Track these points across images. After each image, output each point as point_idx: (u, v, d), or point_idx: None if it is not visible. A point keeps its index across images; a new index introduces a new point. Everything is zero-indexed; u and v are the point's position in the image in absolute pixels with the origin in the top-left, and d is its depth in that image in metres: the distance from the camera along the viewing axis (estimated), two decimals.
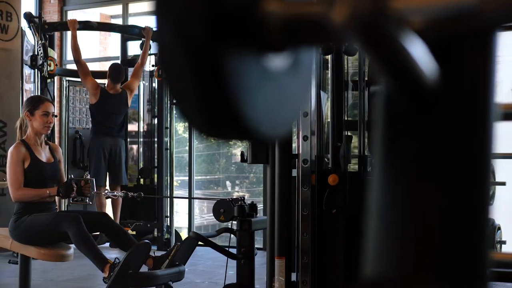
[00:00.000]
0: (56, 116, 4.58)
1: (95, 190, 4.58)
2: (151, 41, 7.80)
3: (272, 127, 0.61)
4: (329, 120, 3.90)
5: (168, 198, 7.87)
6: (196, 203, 8.85)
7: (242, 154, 4.01)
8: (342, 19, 0.52)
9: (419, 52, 0.54)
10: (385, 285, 0.57)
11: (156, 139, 8.10)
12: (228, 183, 12.74)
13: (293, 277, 3.78)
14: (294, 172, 3.83)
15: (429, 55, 0.56)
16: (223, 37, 0.55)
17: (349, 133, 3.97)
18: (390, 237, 0.58)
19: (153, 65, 8.08)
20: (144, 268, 4.31)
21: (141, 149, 8.36)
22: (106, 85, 7.68)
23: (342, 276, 3.67)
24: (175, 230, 8.05)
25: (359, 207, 3.68)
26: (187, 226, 9.33)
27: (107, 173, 7.71)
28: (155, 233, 7.75)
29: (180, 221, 8.79)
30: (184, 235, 8.44)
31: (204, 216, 12.51)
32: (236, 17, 0.56)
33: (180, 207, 8.58)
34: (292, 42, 0.60)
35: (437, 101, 0.56)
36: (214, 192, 12.72)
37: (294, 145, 3.90)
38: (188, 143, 8.85)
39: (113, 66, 7.76)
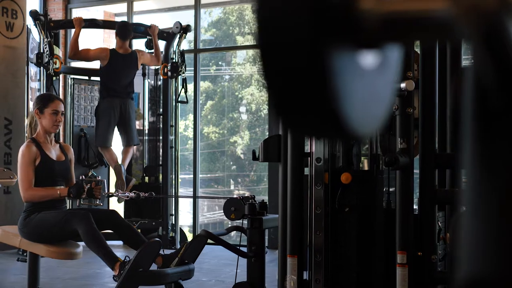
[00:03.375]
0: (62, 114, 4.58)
1: (106, 192, 4.56)
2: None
3: (364, 125, 0.61)
4: None
5: (167, 197, 7.85)
6: (197, 201, 8.85)
7: (253, 152, 4.01)
8: (462, 14, 0.52)
9: None
10: (485, 285, 0.57)
11: (161, 137, 8.09)
12: (229, 181, 12.73)
13: (305, 275, 3.78)
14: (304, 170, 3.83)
15: None
16: (324, 34, 0.55)
17: None
18: (488, 236, 0.58)
19: None
20: (153, 266, 4.31)
21: (145, 147, 8.34)
22: (115, 45, 7.63)
23: (355, 275, 3.67)
24: (180, 228, 8.05)
25: (372, 205, 3.68)
26: (189, 224, 9.33)
27: (120, 134, 7.67)
28: (160, 231, 7.75)
29: (181, 220, 8.77)
30: (187, 233, 8.44)
31: (205, 215, 12.52)
32: (335, 14, 0.56)
33: (181, 205, 8.57)
34: (388, 39, 0.60)
35: None
36: (215, 191, 12.72)
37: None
38: (192, 142, 8.85)
39: (120, 23, 7.70)
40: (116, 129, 7.65)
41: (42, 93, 7.05)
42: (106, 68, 7.51)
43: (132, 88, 7.69)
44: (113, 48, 7.59)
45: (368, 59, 0.61)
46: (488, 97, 0.59)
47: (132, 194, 4.84)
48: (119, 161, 7.49)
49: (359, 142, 3.71)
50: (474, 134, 0.60)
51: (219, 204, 11.96)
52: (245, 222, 4.19)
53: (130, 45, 7.84)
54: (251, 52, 11.66)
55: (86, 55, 7.49)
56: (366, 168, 4.04)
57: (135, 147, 7.87)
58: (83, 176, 4.46)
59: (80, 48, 7.47)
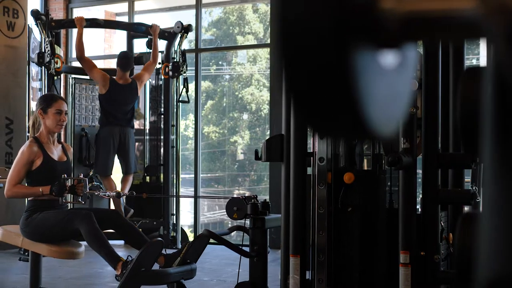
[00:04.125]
0: (66, 113, 4.58)
1: (88, 190, 4.57)
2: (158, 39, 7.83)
3: (384, 125, 0.61)
4: None
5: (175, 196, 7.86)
6: (198, 201, 8.84)
7: (256, 152, 4.01)
8: (488, 14, 0.52)
9: None
10: (505, 284, 0.56)
11: (162, 137, 8.09)
12: (229, 181, 12.73)
13: (307, 275, 3.78)
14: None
15: None
16: (347, 33, 0.55)
17: None
18: (508, 235, 0.58)
19: (159, 63, 8.08)
20: (155, 266, 4.30)
21: (147, 147, 8.35)
22: (116, 75, 7.67)
23: (357, 274, 3.67)
24: (181, 228, 8.04)
25: (375, 205, 3.68)
26: (189, 224, 9.32)
27: (119, 162, 7.72)
28: (161, 230, 7.74)
29: (181, 219, 8.79)
30: (188, 233, 8.43)
31: (205, 214, 12.52)
32: (357, 13, 0.56)
33: (181, 205, 8.57)
34: (409, 39, 0.60)
35: None
36: (215, 190, 12.72)
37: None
38: (192, 142, 8.85)
39: (121, 55, 7.74)
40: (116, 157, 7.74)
41: (45, 93, 7.03)
42: (105, 96, 7.59)
43: (132, 115, 7.75)
44: (113, 78, 7.62)
45: (388, 59, 0.61)
46: (510, 96, 0.59)
47: (112, 194, 4.92)
48: (119, 189, 7.53)
49: (374, 142, 3.70)
50: (495, 133, 0.60)
51: (219, 204, 11.96)
52: (244, 221, 4.19)
53: (132, 48, 7.86)
54: (251, 51, 11.66)
55: (90, 69, 7.52)
56: (365, 167, 4.04)
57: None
58: (65, 175, 4.46)
59: (87, 53, 7.51)
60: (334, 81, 0.56)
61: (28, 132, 7.18)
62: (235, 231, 4.75)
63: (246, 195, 4.34)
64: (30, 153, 4.40)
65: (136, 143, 8.34)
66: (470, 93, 1.21)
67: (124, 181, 7.70)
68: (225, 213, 4.27)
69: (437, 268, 3.46)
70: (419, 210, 3.58)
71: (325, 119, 0.59)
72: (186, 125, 10.94)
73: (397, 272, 3.45)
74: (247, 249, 4.14)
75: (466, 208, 3.99)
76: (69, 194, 4.43)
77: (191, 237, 8.29)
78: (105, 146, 7.56)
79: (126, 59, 7.67)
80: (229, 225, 11.67)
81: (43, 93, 7.31)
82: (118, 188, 7.59)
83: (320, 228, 3.65)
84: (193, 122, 9.15)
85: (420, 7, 0.58)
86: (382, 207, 3.68)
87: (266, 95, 11.27)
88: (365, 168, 4.03)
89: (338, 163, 3.77)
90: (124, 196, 7.55)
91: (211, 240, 4.52)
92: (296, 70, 0.57)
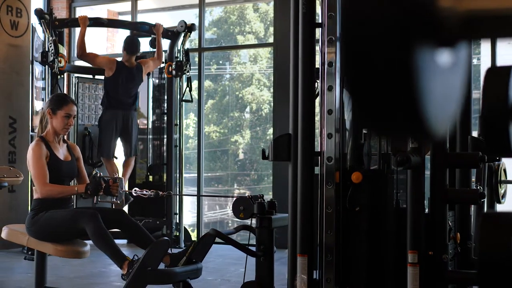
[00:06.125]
0: (74, 117, 4.58)
1: (123, 189, 4.54)
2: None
3: (440, 123, 0.61)
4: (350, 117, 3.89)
5: (177, 196, 7.85)
6: (194, 200, 8.84)
7: (263, 151, 4.01)
8: None
9: None
10: None
11: (165, 136, 8.08)
12: (230, 180, 12.74)
13: (314, 274, 3.78)
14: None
15: None
16: (409, 33, 0.55)
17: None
18: None
19: (162, 62, 8.07)
20: (160, 265, 4.30)
21: (149, 146, 8.34)
22: (122, 58, 7.69)
23: (365, 274, 3.67)
24: (184, 227, 8.04)
25: (382, 204, 3.68)
26: (190, 223, 9.32)
27: (122, 145, 7.74)
28: (164, 230, 7.74)
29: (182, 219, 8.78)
30: (190, 232, 8.43)
31: (206, 214, 12.53)
32: (419, 12, 0.56)
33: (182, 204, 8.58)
34: (467, 37, 0.60)
35: None
36: (215, 190, 12.73)
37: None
38: (193, 141, 8.85)
39: (128, 38, 7.78)
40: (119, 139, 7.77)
41: (58, 92, 6.99)
42: (111, 79, 7.60)
43: (135, 99, 7.78)
44: (120, 61, 7.67)
45: (445, 57, 0.61)
46: None
47: (150, 193, 4.73)
48: (120, 175, 7.52)
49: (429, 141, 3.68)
50: None
51: (219, 203, 11.96)
52: (251, 221, 4.18)
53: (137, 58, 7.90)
54: (252, 51, 11.67)
55: (93, 60, 7.56)
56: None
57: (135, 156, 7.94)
58: (101, 173, 4.43)
59: (89, 50, 7.52)
60: (397, 79, 0.56)
61: (33, 131, 7.19)
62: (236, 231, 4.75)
63: (247, 194, 4.34)
64: (40, 148, 4.39)
65: (138, 143, 8.33)
66: (495, 93, 1.20)
67: (125, 165, 7.73)
68: (225, 212, 4.28)
69: (445, 268, 3.46)
70: (427, 209, 3.58)
71: (388, 118, 0.59)
72: (186, 124, 10.95)
73: (405, 272, 3.45)
74: (252, 248, 4.13)
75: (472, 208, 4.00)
76: (101, 194, 4.40)
77: (193, 237, 8.29)
78: (108, 130, 7.58)
79: (132, 42, 7.70)
80: (230, 225, 11.69)
81: (46, 92, 7.30)
82: (120, 173, 7.58)
83: (328, 228, 3.65)
84: (194, 121, 9.16)
85: (480, 5, 0.58)
86: (390, 207, 3.68)
87: (266, 94, 11.27)
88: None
89: (346, 163, 3.77)
90: (126, 179, 7.54)
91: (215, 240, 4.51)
92: (360, 69, 0.57)
